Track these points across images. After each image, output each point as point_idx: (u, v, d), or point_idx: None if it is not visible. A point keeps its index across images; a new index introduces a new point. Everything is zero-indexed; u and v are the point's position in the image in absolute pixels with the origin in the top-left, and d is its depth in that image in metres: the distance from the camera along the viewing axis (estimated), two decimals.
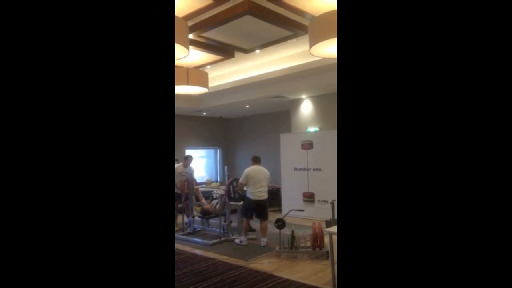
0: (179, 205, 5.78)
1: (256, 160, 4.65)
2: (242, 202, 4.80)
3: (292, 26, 4.06)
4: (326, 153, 5.92)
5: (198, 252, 4.31)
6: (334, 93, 6.10)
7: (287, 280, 3.19)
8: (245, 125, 9.08)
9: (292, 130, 6.85)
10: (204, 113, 8.50)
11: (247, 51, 4.97)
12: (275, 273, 3.38)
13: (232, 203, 4.88)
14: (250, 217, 4.50)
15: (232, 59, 5.32)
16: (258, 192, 4.45)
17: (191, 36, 4.22)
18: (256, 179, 4.46)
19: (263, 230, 4.49)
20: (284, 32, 4.31)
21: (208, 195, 5.81)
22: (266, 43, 4.71)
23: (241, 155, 9.03)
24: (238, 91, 6.44)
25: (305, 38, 4.51)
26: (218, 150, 9.57)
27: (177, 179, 5.46)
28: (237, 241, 4.53)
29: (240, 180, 4.59)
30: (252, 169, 4.53)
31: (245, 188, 4.67)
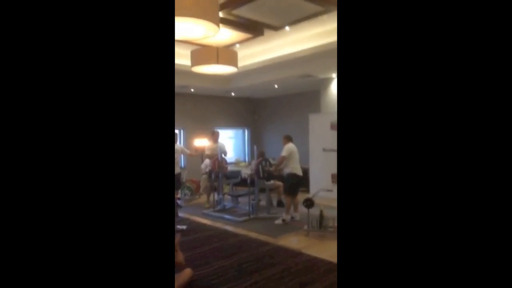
0: (214, 183, 5.87)
1: (290, 138, 4.83)
2: (270, 182, 4.85)
3: (322, 1, 3.91)
4: None
5: (228, 228, 4.44)
6: None
7: (316, 257, 3.22)
8: (273, 105, 9.02)
9: (322, 110, 6.73)
10: (233, 93, 8.53)
11: (277, 28, 4.87)
12: (304, 251, 3.43)
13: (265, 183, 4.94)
14: (291, 194, 4.61)
15: (262, 37, 5.24)
16: (299, 168, 4.67)
17: (220, 14, 4.18)
18: (296, 156, 4.68)
19: (297, 205, 4.68)
20: (315, 8, 4.17)
21: (237, 175, 5.91)
22: (297, 20, 4.59)
23: (269, 136, 9.03)
24: (267, 71, 6.37)
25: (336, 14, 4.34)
26: (246, 131, 9.63)
27: (211, 155, 5.60)
28: (278, 221, 4.57)
29: (284, 154, 4.64)
30: (292, 146, 4.70)
31: (287, 166, 4.68)
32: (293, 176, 4.62)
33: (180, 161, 5.54)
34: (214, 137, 5.86)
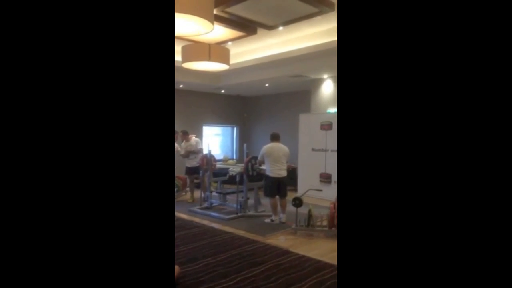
0: (195, 181, 6.00)
1: (274, 138, 4.64)
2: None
3: (318, 3, 3.94)
4: None
5: (215, 225, 4.43)
6: None
7: (304, 256, 3.26)
8: (263, 104, 9.04)
9: (312, 110, 6.78)
10: (223, 91, 8.49)
11: (270, 27, 4.88)
12: (292, 249, 3.46)
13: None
14: (273, 196, 4.53)
15: (254, 36, 5.24)
16: (276, 169, 4.49)
17: (214, 11, 4.15)
18: (274, 156, 4.48)
19: (283, 207, 4.57)
20: (310, 9, 4.19)
21: (225, 172, 5.92)
22: (291, 20, 4.61)
23: (258, 134, 9.04)
24: (258, 69, 6.37)
25: (331, 16, 4.39)
26: (235, 128, 9.61)
27: (185, 154, 5.83)
28: (267, 220, 4.58)
29: (258, 158, 4.65)
30: (270, 147, 4.54)
31: (263, 167, 4.71)
32: (267, 178, 4.52)
33: None
34: (185, 136, 5.99)
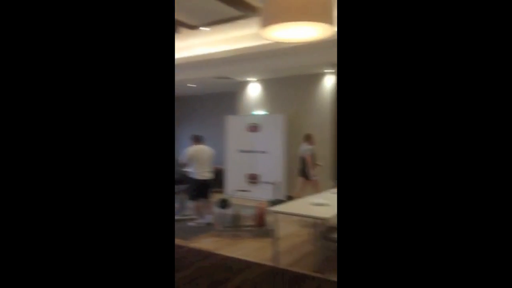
0: None
1: (198, 140, 4.55)
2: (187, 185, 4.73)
3: (241, 6, 4.00)
4: (272, 136, 6.06)
5: None
6: (283, 78, 6.20)
7: (228, 257, 3.26)
8: (189, 104, 8.86)
9: (239, 112, 6.86)
10: None
11: (192, 27, 4.80)
12: (216, 251, 3.43)
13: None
14: (198, 198, 4.44)
15: (179, 34, 5.10)
16: (202, 172, 4.41)
17: None
18: (199, 159, 4.41)
19: (208, 209, 4.50)
20: (233, 12, 4.23)
21: None
22: (214, 22, 4.59)
23: (183, 136, 8.83)
24: (183, 69, 6.21)
25: (256, 20, 4.50)
26: None
27: None
28: (192, 224, 4.43)
29: (182, 160, 4.52)
30: (195, 150, 4.45)
31: (189, 169, 4.60)
32: (192, 180, 4.44)
33: None
34: None
